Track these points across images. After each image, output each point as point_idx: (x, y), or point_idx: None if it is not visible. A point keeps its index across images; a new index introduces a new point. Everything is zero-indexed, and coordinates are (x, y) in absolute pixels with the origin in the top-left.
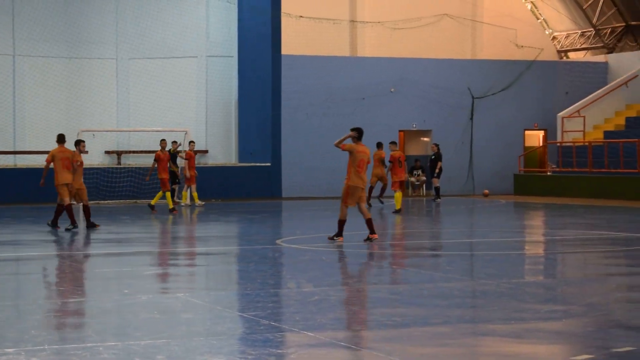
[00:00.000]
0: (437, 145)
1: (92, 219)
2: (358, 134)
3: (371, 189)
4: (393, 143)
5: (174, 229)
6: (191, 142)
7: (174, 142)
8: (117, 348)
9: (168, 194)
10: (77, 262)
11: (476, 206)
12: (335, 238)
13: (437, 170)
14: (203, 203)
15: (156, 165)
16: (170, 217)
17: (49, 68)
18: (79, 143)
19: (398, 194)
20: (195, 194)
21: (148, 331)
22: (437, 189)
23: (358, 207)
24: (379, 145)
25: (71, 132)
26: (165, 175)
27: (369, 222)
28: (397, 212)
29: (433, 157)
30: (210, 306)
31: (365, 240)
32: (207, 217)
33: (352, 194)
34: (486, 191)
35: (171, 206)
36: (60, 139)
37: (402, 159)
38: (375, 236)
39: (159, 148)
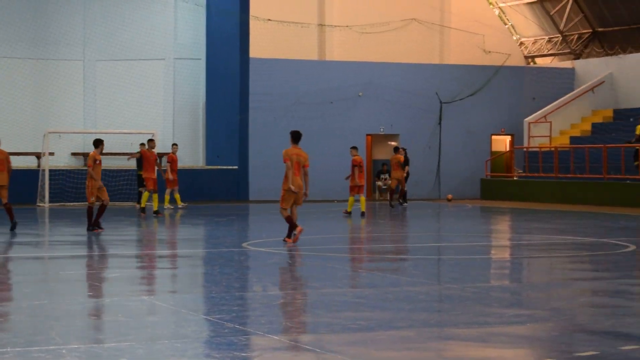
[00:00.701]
0: (404, 149)
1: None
2: (292, 137)
3: (392, 191)
4: (354, 148)
5: (141, 232)
6: (174, 144)
7: (142, 144)
8: (80, 351)
9: (146, 195)
10: (42, 264)
11: (443, 210)
12: (288, 238)
13: (404, 175)
14: (186, 204)
15: (137, 160)
16: (140, 219)
17: (16, 69)
18: (99, 144)
19: (351, 199)
20: (177, 196)
21: (112, 334)
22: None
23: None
24: (396, 150)
25: (38, 133)
26: (151, 175)
27: (291, 223)
28: (348, 214)
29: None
30: (175, 309)
31: (285, 240)
32: (174, 219)
33: (291, 197)
34: (449, 196)
35: (143, 205)
36: None
37: (362, 163)
38: (290, 240)
39: (128, 150)
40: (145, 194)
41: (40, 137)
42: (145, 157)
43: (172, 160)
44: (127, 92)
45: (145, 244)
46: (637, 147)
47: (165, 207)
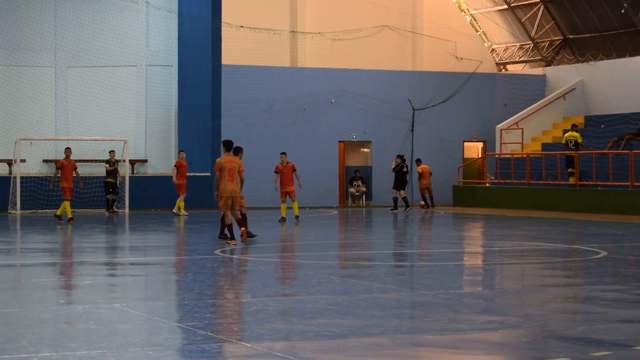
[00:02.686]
0: (401, 156)
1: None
2: (225, 146)
3: (431, 197)
4: (283, 154)
5: (114, 239)
6: (181, 151)
7: (112, 152)
8: (51, 359)
9: (67, 203)
10: (14, 272)
11: (416, 217)
12: (229, 241)
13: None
14: (187, 214)
15: (59, 175)
16: (67, 226)
17: None
18: (238, 151)
19: (284, 205)
20: (182, 204)
21: (84, 342)
22: (405, 199)
23: (230, 212)
24: (419, 162)
25: (9, 140)
26: (69, 185)
27: (229, 227)
28: (282, 220)
29: (397, 168)
30: (147, 317)
31: (230, 240)
32: (146, 226)
33: (226, 202)
34: (422, 202)
35: (70, 216)
36: None
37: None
38: (234, 242)
39: (100, 157)
40: (65, 203)
41: (11, 144)
42: (63, 166)
43: (180, 166)
44: (99, 99)
45: (117, 251)
46: (572, 155)
47: (182, 213)
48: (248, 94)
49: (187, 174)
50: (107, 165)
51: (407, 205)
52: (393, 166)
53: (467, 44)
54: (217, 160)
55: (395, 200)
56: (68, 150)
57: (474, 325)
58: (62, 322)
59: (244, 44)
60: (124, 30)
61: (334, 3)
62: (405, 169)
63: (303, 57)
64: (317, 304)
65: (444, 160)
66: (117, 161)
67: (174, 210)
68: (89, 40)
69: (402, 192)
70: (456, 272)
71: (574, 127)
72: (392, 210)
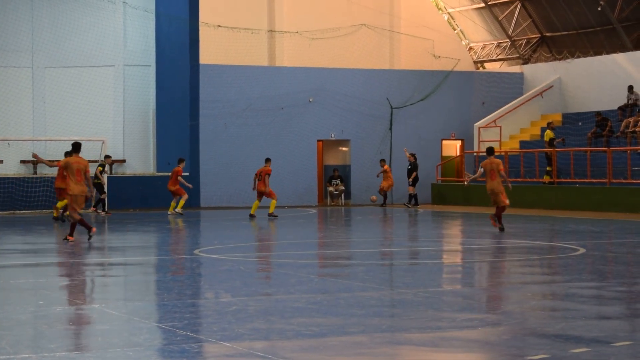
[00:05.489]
0: (413, 155)
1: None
2: (73, 148)
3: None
4: (268, 160)
5: (91, 240)
6: (181, 159)
7: (107, 157)
8: None
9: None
10: None
11: (394, 215)
12: (68, 238)
13: (411, 179)
14: (175, 213)
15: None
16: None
17: None
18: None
19: (256, 203)
20: (175, 204)
21: (63, 343)
22: (414, 197)
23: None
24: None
25: None
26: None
27: (81, 222)
28: (252, 217)
29: (410, 167)
30: (126, 317)
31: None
32: (124, 227)
33: (75, 200)
34: (374, 197)
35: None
36: None
37: (263, 173)
38: (71, 238)
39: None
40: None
41: None
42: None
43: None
44: (76, 99)
45: (96, 251)
46: (549, 152)
47: (176, 211)
48: (226, 94)
49: (167, 173)
50: (100, 168)
51: (415, 202)
52: (410, 164)
53: (445, 42)
54: (66, 159)
55: (415, 197)
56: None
57: (453, 323)
58: (41, 323)
59: (222, 43)
60: (101, 30)
61: (311, 2)
62: (410, 166)
63: (281, 56)
64: (297, 303)
65: (422, 158)
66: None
67: (176, 210)
68: (66, 41)
69: (411, 188)
70: (435, 270)
71: (548, 125)
72: (412, 206)
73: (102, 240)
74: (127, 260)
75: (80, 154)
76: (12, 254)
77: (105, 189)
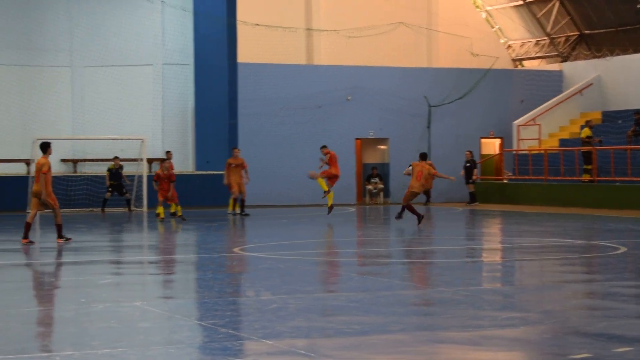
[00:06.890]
0: (471, 152)
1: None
2: (42, 148)
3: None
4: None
5: (131, 238)
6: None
7: (116, 158)
8: (74, 357)
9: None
10: (34, 271)
11: (434, 214)
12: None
13: (473, 177)
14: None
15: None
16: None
17: (2, 76)
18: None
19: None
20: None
21: (105, 340)
22: (472, 194)
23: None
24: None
25: (26, 140)
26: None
27: (26, 225)
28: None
29: (468, 164)
30: (168, 315)
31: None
32: (165, 225)
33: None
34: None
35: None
36: None
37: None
38: (26, 240)
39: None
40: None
41: (28, 144)
42: (159, 178)
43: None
44: (115, 98)
45: (138, 249)
46: (590, 150)
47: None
48: (264, 92)
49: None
50: (108, 172)
51: (474, 200)
52: (469, 161)
53: (483, 40)
54: (39, 160)
55: (473, 195)
56: (169, 157)
57: (494, 322)
58: (84, 320)
59: (259, 42)
60: (139, 29)
61: (348, 0)
62: (468, 164)
63: (318, 54)
64: (337, 301)
65: (461, 156)
66: (121, 167)
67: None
68: (104, 40)
69: (470, 186)
70: (475, 268)
71: (587, 123)
72: (471, 205)
73: (144, 239)
74: (168, 258)
75: (48, 156)
76: (54, 253)
77: (126, 189)
